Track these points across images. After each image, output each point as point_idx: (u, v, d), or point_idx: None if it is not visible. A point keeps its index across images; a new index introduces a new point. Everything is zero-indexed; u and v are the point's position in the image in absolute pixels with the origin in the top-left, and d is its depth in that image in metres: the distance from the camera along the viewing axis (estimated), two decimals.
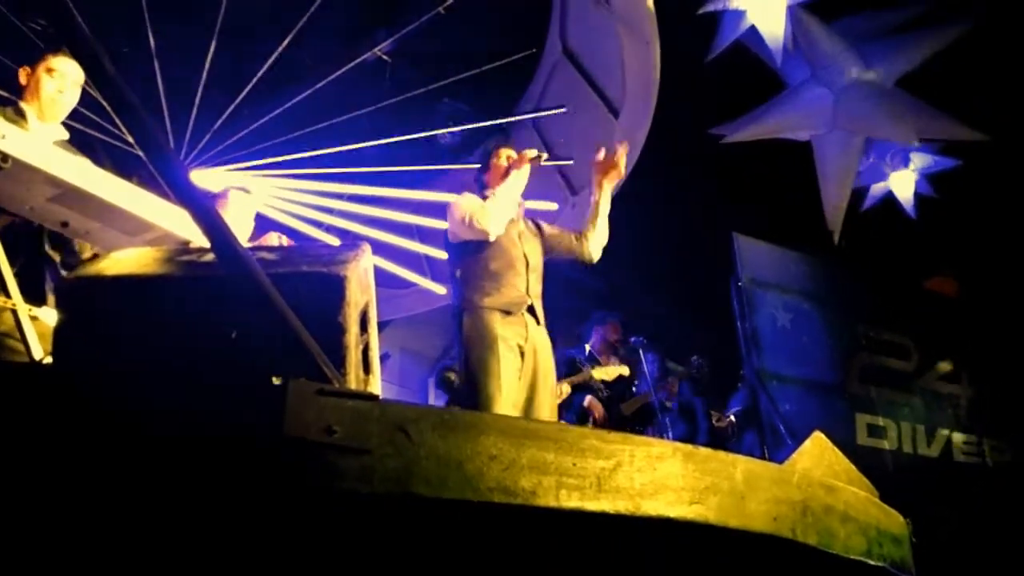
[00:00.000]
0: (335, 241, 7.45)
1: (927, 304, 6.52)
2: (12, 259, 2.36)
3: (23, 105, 2.89)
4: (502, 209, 3.65)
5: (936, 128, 6.95)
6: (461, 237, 3.71)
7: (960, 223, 7.63)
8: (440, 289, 8.38)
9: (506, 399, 3.44)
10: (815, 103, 6.66)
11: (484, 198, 3.79)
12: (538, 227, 3.98)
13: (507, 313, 3.58)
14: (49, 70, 2.87)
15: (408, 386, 8.87)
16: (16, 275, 2.49)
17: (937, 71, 6.64)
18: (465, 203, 3.74)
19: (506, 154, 3.91)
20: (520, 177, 3.75)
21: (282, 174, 7.06)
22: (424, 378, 9.14)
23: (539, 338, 3.66)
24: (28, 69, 2.91)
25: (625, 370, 5.63)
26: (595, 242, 3.91)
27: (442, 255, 8.12)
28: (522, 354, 3.58)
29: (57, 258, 2.82)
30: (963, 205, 7.55)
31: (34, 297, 2.44)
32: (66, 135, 3.01)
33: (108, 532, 1.27)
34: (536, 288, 3.74)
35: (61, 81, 2.88)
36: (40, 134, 2.85)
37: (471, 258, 3.69)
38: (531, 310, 3.66)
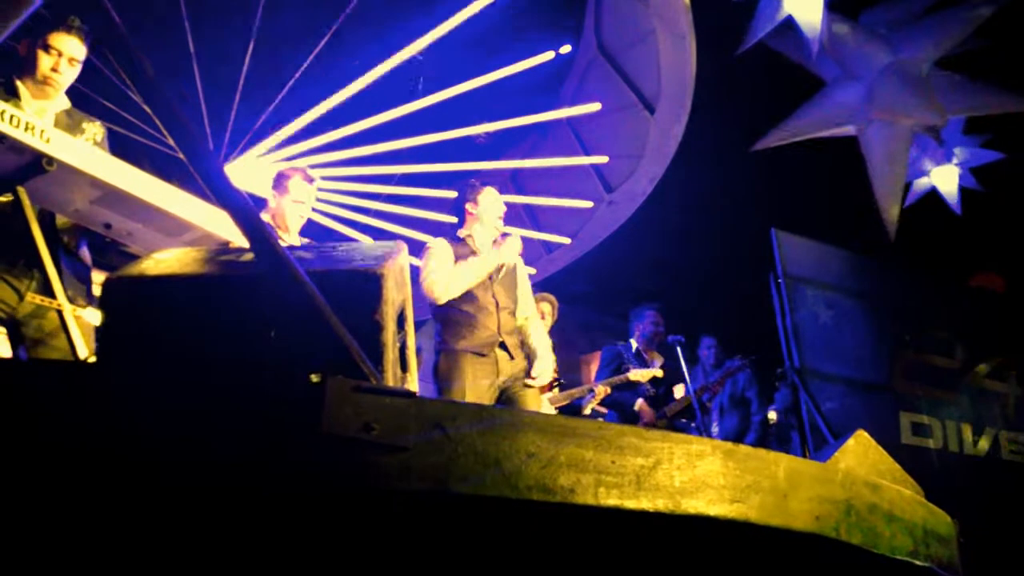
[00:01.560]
0: (369, 240, 7.50)
1: (973, 300, 6.38)
2: (26, 250, 2.37)
3: (17, 82, 2.83)
4: (459, 283, 3.78)
5: (983, 103, 6.78)
6: (425, 294, 3.86)
7: (1005, 217, 7.48)
8: None
9: None
10: (850, 98, 6.57)
11: (458, 239, 3.99)
12: (517, 268, 4.11)
13: (479, 354, 3.76)
14: (46, 47, 2.81)
15: None
16: (30, 266, 2.52)
17: (983, 47, 6.51)
18: (429, 257, 3.87)
19: (493, 203, 4.03)
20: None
21: (320, 175, 7.12)
22: None
23: (513, 371, 3.84)
24: (27, 42, 2.84)
25: (659, 372, 5.59)
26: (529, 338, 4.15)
27: None
28: (500, 390, 3.78)
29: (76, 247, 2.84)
30: (1008, 199, 7.40)
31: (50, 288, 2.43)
32: (67, 104, 2.95)
33: (147, 524, 1.28)
34: (509, 325, 3.91)
35: (56, 59, 2.82)
36: (37, 109, 2.81)
37: (444, 304, 3.84)
38: (503, 346, 3.82)
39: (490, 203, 4.04)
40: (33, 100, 2.83)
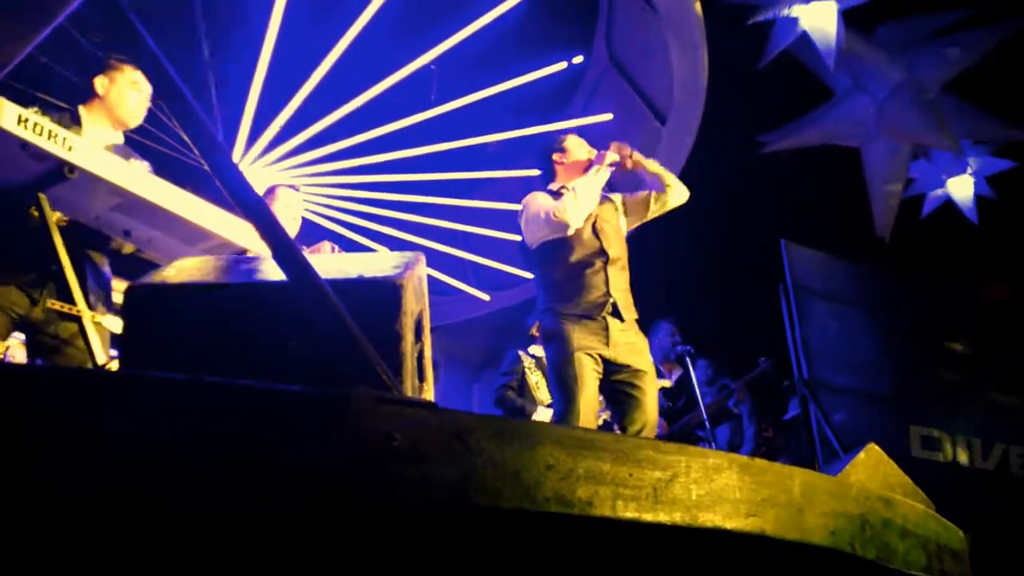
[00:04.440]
0: (379, 248, 7.54)
1: (983, 312, 6.36)
2: (43, 260, 2.41)
3: (81, 111, 2.91)
4: (583, 202, 3.46)
5: (986, 131, 6.84)
6: (539, 237, 3.55)
7: (1017, 227, 7.47)
8: (484, 296, 8.42)
9: (586, 400, 3.32)
10: (859, 112, 6.61)
11: (552, 191, 3.69)
12: (616, 203, 3.80)
13: (585, 318, 3.42)
14: (133, 83, 2.91)
15: (450, 392, 8.91)
16: (45, 275, 2.55)
17: (987, 73, 6.55)
18: (539, 200, 3.60)
19: (580, 144, 3.81)
20: (602, 174, 3.58)
21: (332, 182, 7.16)
22: (467, 385, 9.17)
23: (625, 339, 3.47)
24: (106, 79, 2.93)
25: (667, 383, 5.58)
26: (676, 193, 3.80)
27: (487, 262, 8.21)
28: (606, 362, 3.42)
29: (102, 260, 2.87)
30: (1019, 208, 7.40)
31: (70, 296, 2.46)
32: (121, 139, 3.05)
33: (168, 539, 1.29)
34: (619, 282, 3.55)
35: (141, 95, 2.94)
36: (95, 140, 2.88)
37: (548, 262, 3.55)
38: (615, 310, 3.47)
39: (576, 146, 3.82)
40: (96, 130, 2.90)
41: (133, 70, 2.90)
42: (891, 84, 6.40)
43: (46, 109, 2.74)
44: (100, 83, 2.92)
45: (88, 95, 2.94)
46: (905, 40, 6.42)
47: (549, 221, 3.46)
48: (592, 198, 3.52)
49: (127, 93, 2.90)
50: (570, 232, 3.46)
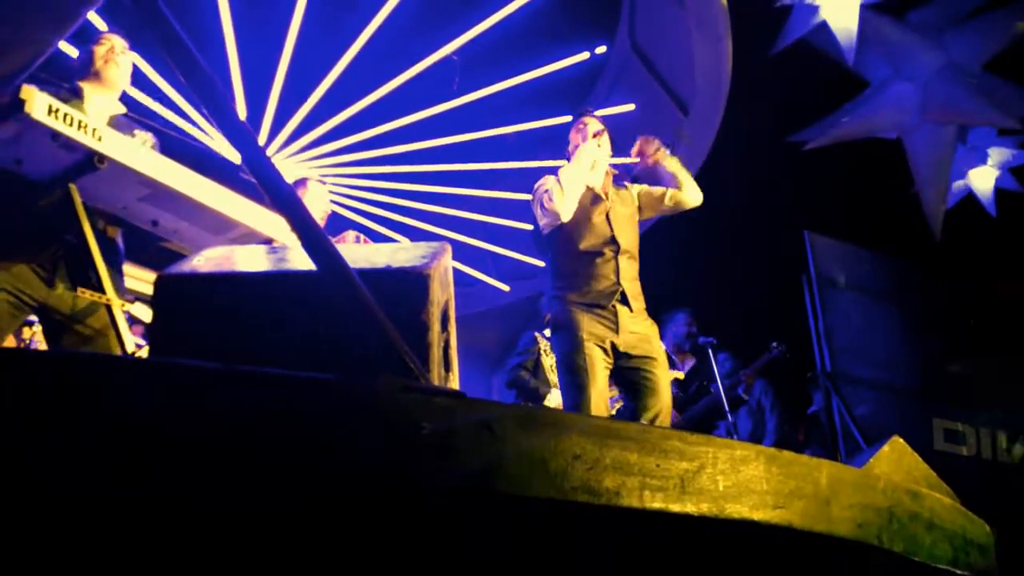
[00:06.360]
0: (399, 238, 7.57)
1: (1008, 304, 6.28)
2: (59, 240, 2.45)
3: (79, 83, 3.00)
4: (568, 188, 3.50)
5: None
6: (546, 223, 3.58)
7: None
8: (503, 287, 8.43)
9: (597, 390, 3.33)
10: (900, 100, 6.49)
11: None
12: (632, 193, 3.84)
13: (594, 306, 3.43)
14: (97, 41, 3.04)
15: (468, 383, 8.91)
16: (64, 257, 2.58)
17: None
18: (543, 185, 3.63)
19: (579, 125, 3.85)
20: (586, 153, 3.61)
21: (354, 172, 7.17)
22: (485, 376, 9.17)
23: (635, 328, 3.48)
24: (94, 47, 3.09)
25: (679, 374, 5.57)
26: (689, 194, 3.81)
27: (506, 252, 8.21)
28: (616, 350, 3.42)
29: (115, 232, 2.88)
30: None
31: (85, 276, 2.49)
32: (124, 109, 3.11)
33: (187, 528, 1.30)
34: (629, 271, 3.55)
35: (109, 46, 3.04)
36: (100, 111, 2.96)
37: (559, 248, 3.58)
38: (623, 298, 3.48)
39: (571, 137, 3.86)
40: (94, 98, 2.98)
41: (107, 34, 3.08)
42: (930, 68, 6.27)
43: (44, 86, 2.78)
44: (77, 61, 3.07)
45: (86, 68, 3.04)
46: (939, 22, 6.31)
47: (544, 210, 3.55)
48: (575, 183, 3.55)
49: (95, 51, 3.03)
50: (564, 220, 3.52)
